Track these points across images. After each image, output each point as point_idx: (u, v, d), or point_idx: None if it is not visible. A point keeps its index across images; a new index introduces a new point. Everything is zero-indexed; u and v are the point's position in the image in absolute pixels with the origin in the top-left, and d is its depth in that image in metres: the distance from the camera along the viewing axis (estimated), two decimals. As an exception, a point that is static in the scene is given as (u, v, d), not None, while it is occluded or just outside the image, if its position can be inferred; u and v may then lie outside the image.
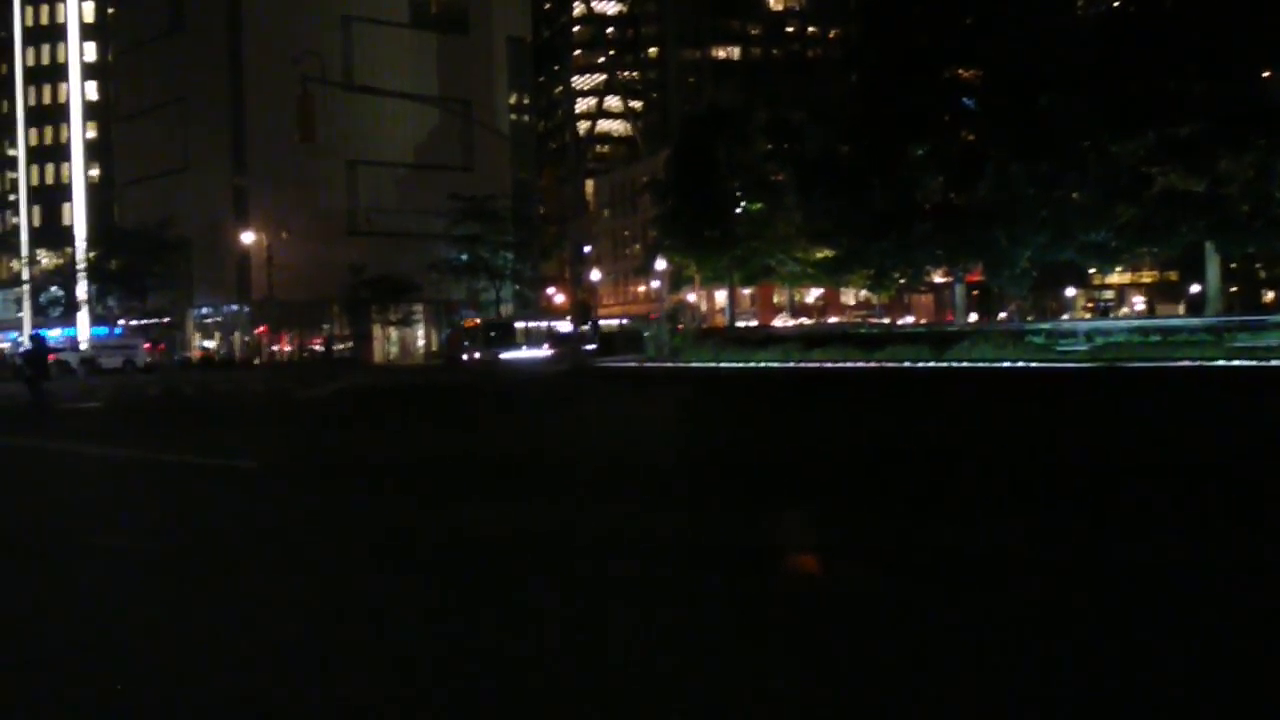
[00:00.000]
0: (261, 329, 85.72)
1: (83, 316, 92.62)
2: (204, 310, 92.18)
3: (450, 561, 7.74)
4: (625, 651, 5.37)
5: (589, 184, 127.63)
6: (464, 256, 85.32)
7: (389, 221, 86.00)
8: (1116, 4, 44.32)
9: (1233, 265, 48.06)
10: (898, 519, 8.69)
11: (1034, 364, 36.88)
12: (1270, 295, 66.62)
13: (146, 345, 73.83)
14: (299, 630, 5.96)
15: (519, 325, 78.53)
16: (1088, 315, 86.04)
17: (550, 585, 6.80)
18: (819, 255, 60.47)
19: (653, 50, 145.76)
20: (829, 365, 42.32)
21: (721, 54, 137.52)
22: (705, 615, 6.03)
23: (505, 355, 70.28)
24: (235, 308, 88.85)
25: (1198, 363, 32.63)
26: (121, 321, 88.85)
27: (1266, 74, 38.38)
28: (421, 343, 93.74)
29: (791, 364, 43.88)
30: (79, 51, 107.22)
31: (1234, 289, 51.98)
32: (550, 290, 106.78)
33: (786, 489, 10.92)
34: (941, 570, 6.90)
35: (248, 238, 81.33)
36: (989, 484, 10.68)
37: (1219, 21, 37.86)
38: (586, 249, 76.01)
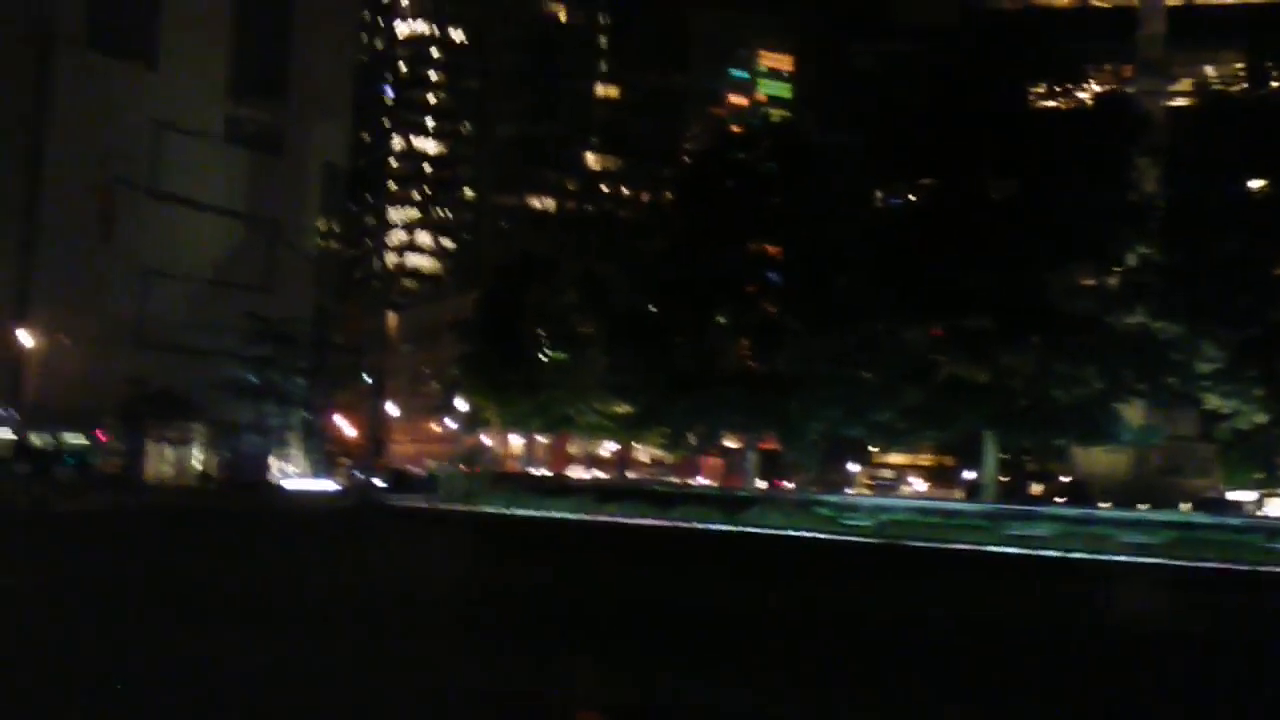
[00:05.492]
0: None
1: None
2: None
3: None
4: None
5: (391, 317, 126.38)
6: (253, 379, 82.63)
7: (179, 335, 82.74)
8: (912, 198, 47.04)
9: (1004, 456, 50.53)
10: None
11: (820, 535, 37.77)
12: (1038, 488, 70.05)
13: None
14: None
15: None
16: (868, 491, 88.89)
17: None
18: (618, 409, 60.91)
19: (468, 192, 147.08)
20: (621, 520, 42.39)
21: (536, 203, 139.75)
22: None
23: (288, 484, 67.95)
24: (3, 412, 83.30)
25: (974, 546, 33.96)
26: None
27: (1046, 275, 41.05)
28: (198, 464, 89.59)
29: (585, 515, 43.78)
30: None
31: (1004, 479, 54.61)
32: (337, 421, 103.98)
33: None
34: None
35: (24, 338, 76.90)
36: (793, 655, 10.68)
37: (1005, 222, 40.63)
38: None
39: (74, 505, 34.81)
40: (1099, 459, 47.10)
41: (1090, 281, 42.46)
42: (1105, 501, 44.63)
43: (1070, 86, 46.92)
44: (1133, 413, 42.53)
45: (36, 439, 71.89)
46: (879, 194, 51.90)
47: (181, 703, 6.97)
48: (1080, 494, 45.77)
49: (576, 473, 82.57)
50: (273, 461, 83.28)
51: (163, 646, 9.26)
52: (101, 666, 8.35)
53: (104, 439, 77.07)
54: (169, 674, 8.04)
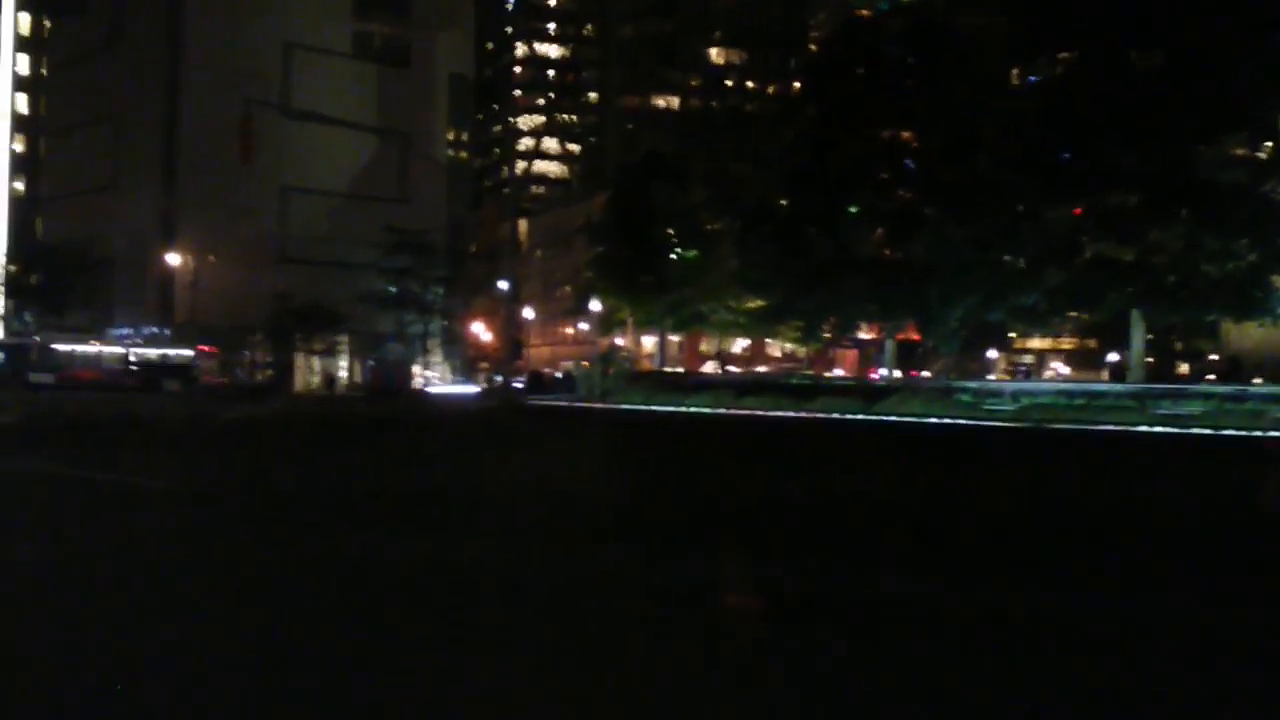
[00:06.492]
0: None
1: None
2: (124, 331, 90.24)
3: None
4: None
5: (522, 223, 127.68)
6: (393, 289, 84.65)
7: (319, 250, 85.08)
8: (1054, 73, 45.34)
9: (1150, 336, 49.18)
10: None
11: (961, 420, 37.49)
12: (1185, 367, 68.27)
13: None
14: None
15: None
16: (1007, 378, 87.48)
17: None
18: (751, 305, 60.84)
19: (593, 95, 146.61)
20: (760, 413, 42.62)
21: (661, 103, 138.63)
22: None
23: (432, 390, 69.83)
24: (155, 329, 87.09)
25: (1121, 427, 33.34)
26: (35, 338, 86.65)
27: (1195, 148, 39.46)
28: (345, 374, 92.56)
29: (723, 410, 44.12)
30: (11, 63, 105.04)
31: (1150, 359, 53.17)
32: (475, 327, 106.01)
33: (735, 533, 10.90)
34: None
35: (173, 259, 79.99)
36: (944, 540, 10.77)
37: (1150, 95, 39.00)
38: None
39: (230, 414, 36.32)
40: (1251, 334, 45.60)
41: (1241, 151, 40.59)
42: (1258, 377, 43.30)
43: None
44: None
45: (149, 355, 74.80)
46: (1016, 71, 50.25)
47: (334, 602, 7.30)
48: (1234, 371, 44.49)
49: (711, 370, 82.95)
50: (416, 369, 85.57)
51: (320, 545, 9.67)
52: (259, 566, 8.79)
53: (210, 351, 79.39)
54: (322, 573, 8.39)
